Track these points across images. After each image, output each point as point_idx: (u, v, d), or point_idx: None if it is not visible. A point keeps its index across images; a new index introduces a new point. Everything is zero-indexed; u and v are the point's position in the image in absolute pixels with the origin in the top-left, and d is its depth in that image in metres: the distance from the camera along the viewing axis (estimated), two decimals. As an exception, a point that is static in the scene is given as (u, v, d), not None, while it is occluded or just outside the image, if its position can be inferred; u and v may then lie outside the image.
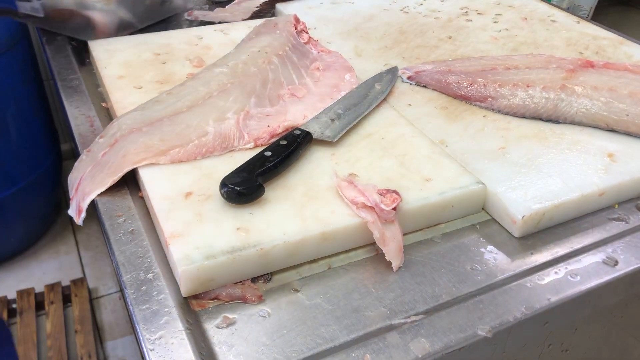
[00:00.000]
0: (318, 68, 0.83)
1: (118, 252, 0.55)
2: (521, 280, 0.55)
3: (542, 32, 1.02)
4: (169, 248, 0.53)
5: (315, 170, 0.64)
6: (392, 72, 0.85)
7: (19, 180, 1.60)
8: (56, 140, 1.82)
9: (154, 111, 0.69)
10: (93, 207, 0.61)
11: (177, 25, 1.07)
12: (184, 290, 0.52)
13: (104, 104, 0.80)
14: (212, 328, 0.50)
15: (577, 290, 0.55)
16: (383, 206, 0.56)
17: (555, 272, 0.56)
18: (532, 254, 0.59)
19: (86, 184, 0.62)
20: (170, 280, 0.53)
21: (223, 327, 0.50)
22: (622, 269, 0.57)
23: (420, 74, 0.85)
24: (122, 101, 0.76)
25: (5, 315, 1.51)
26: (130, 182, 0.64)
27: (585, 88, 0.75)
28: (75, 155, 0.69)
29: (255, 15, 1.11)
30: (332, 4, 1.12)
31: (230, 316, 0.51)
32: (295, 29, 0.91)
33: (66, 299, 1.59)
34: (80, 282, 1.64)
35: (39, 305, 1.55)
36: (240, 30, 0.98)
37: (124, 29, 1.01)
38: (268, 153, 0.62)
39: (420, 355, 0.48)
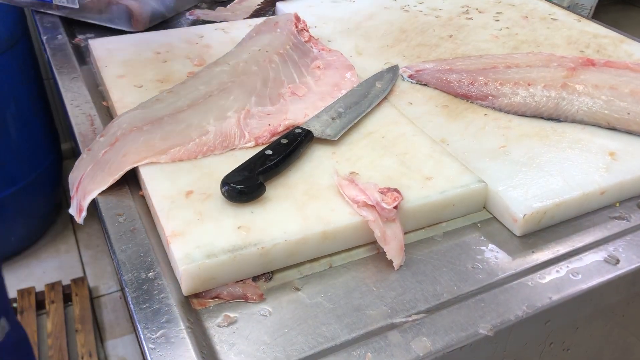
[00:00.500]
0: (319, 67, 0.83)
1: (119, 251, 0.55)
2: (522, 279, 0.55)
3: (543, 30, 1.02)
4: (169, 247, 0.53)
5: (316, 169, 0.64)
6: (393, 70, 0.85)
7: (19, 179, 1.60)
8: (56, 140, 1.82)
9: (154, 110, 0.69)
10: (94, 206, 0.61)
11: (178, 24, 1.07)
12: (185, 289, 0.52)
13: (104, 103, 0.80)
14: (213, 327, 0.50)
15: (578, 289, 0.55)
16: (384, 205, 0.56)
17: (557, 271, 0.56)
18: (533, 252, 0.59)
19: (87, 183, 0.62)
20: (171, 279, 0.53)
21: (224, 326, 0.50)
22: (624, 268, 0.57)
23: (421, 73, 0.85)
24: (123, 100, 0.76)
25: (6, 314, 1.51)
26: (130, 181, 0.64)
27: (586, 86, 0.75)
28: (75, 154, 0.69)
29: (256, 14, 1.11)
30: (333, 2, 1.12)
31: (232, 315, 0.51)
32: (296, 27, 0.91)
33: (67, 298, 1.59)
34: (80, 281, 1.64)
35: (40, 305, 1.55)
36: (241, 29, 0.98)
37: (155, 18, 1.03)
38: (269, 152, 0.62)
39: (421, 354, 0.48)
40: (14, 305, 1.54)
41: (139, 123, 0.66)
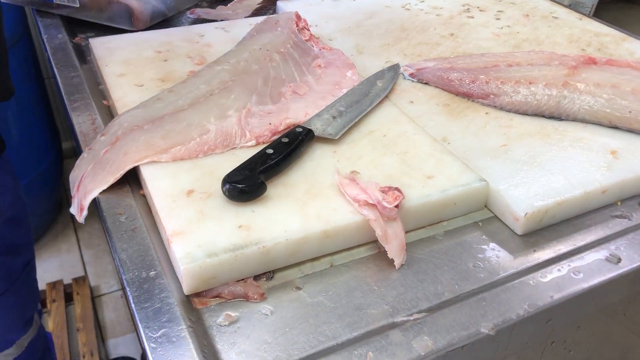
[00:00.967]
0: (319, 65, 0.83)
1: (120, 250, 0.55)
2: (524, 278, 0.55)
3: (544, 28, 1.02)
4: (170, 246, 0.53)
5: (317, 167, 0.64)
6: (394, 69, 0.85)
7: (20, 178, 1.59)
8: (57, 139, 1.82)
9: (155, 109, 0.69)
10: (95, 205, 0.61)
11: (179, 23, 1.07)
12: (186, 288, 0.52)
13: (105, 102, 0.80)
14: (214, 326, 0.50)
15: (580, 288, 0.55)
16: (385, 204, 0.56)
17: (558, 270, 0.56)
18: (534, 251, 0.59)
19: (87, 182, 0.62)
20: (172, 278, 0.53)
21: (225, 325, 0.50)
22: (625, 266, 0.57)
23: (422, 71, 0.85)
24: (123, 99, 0.76)
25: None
26: (131, 180, 0.64)
27: (587, 85, 0.75)
28: (76, 153, 0.69)
29: (257, 13, 1.11)
30: (334, 1, 1.12)
31: (233, 314, 0.51)
32: (297, 26, 0.91)
33: (68, 297, 1.59)
34: (82, 280, 1.64)
35: (41, 304, 1.55)
36: (242, 27, 0.98)
37: (156, 17, 1.03)
38: (270, 151, 0.62)
39: (423, 353, 0.47)
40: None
41: (140, 122, 0.66)
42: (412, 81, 0.85)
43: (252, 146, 0.67)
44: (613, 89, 0.74)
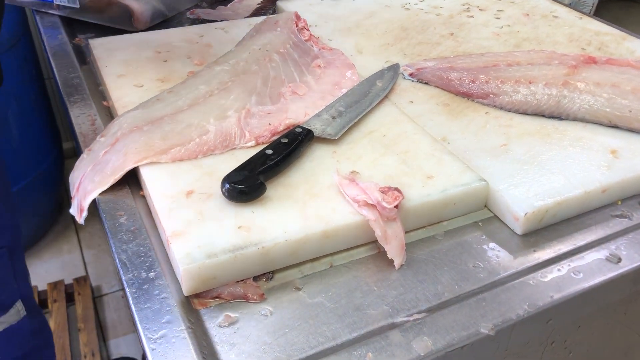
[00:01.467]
0: (319, 65, 0.83)
1: (119, 251, 0.55)
2: (524, 278, 0.55)
3: (544, 28, 1.01)
4: (170, 247, 0.53)
5: (316, 168, 0.64)
6: (394, 69, 0.85)
7: (21, 179, 1.60)
8: (57, 139, 1.82)
9: (154, 110, 0.69)
10: (94, 205, 0.61)
11: (179, 24, 1.07)
12: (186, 289, 0.52)
13: (104, 103, 0.80)
14: (213, 327, 0.50)
15: (580, 288, 0.54)
16: (385, 204, 0.56)
17: (558, 270, 0.56)
18: (534, 251, 0.59)
19: (87, 183, 0.62)
20: (171, 279, 0.53)
21: (225, 326, 0.50)
22: (626, 266, 0.57)
23: (421, 71, 0.85)
24: (123, 100, 0.76)
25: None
26: (131, 180, 0.64)
27: (587, 84, 0.75)
28: (76, 153, 0.69)
29: (256, 13, 1.11)
30: (333, 0, 1.12)
31: (232, 315, 0.51)
32: (296, 26, 0.91)
33: (69, 298, 1.59)
34: (83, 280, 1.64)
35: (42, 304, 1.56)
36: (241, 28, 0.98)
37: (155, 18, 1.03)
38: (269, 151, 0.62)
39: (422, 354, 0.47)
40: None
41: (140, 123, 0.66)
42: (412, 81, 0.85)
43: (251, 147, 0.67)
44: (613, 88, 0.74)
